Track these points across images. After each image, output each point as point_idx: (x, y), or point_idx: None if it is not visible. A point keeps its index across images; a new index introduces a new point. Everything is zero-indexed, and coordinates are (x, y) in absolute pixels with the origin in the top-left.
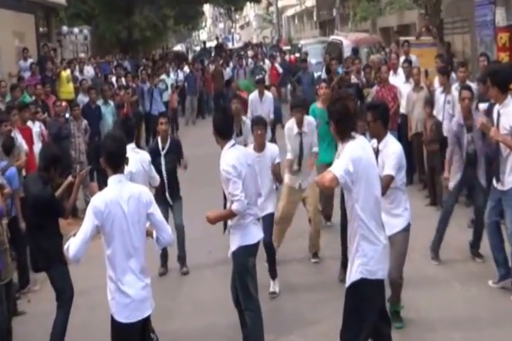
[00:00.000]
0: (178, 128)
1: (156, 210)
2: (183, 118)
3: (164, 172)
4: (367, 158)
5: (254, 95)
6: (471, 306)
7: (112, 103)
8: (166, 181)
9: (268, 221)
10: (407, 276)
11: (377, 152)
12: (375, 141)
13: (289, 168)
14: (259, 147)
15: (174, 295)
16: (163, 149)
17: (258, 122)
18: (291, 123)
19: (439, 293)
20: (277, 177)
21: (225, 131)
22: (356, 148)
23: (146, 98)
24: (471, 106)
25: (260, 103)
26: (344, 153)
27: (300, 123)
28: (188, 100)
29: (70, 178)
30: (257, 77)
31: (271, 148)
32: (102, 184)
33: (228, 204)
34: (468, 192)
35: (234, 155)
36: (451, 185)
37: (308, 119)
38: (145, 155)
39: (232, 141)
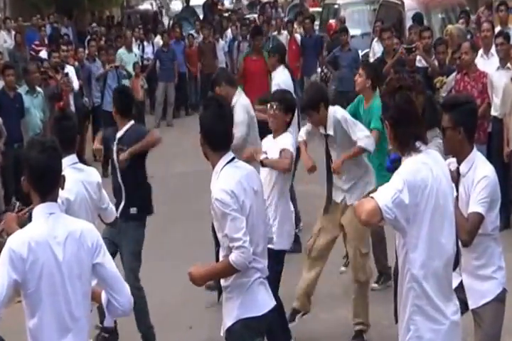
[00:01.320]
0: None
1: (106, 259)
2: (152, 117)
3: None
4: (436, 185)
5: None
6: None
7: (41, 91)
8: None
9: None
10: None
11: (457, 177)
12: (453, 160)
13: (303, 155)
14: (274, 133)
15: None
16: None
17: (273, 96)
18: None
19: None
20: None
21: (219, 138)
22: (419, 168)
23: (94, 85)
24: None
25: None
26: (399, 173)
27: (323, 123)
28: (161, 88)
29: None
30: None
31: (288, 134)
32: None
33: (222, 254)
34: None
35: (233, 177)
36: None
37: (333, 116)
38: (92, 175)
39: (230, 154)
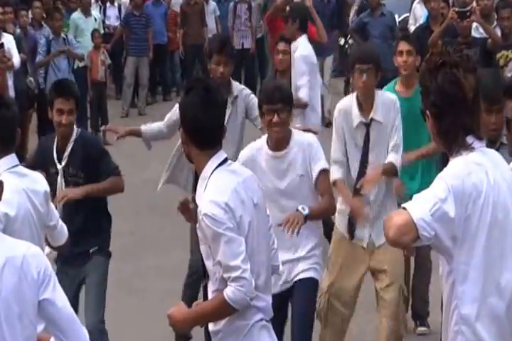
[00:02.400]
0: (107, 122)
1: (57, 295)
2: (118, 103)
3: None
4: (494, 192)
5: None
6: None
7: None
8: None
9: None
10: None
11: None
12: None
13: (347, 198)
14: (277, 144)
15: None
16: (60, 159)
17: (272, 99)
18: (347, 102)
19: None
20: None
21: (207, 133)
22: (470, 170)
23: (40, 60)
24: None
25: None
26: (441, 177)
27: (368, 102)
28: (130, 65)
29: None
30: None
31: (301, 139)
32: None
33: (212, 288)
34: None
35: (227, 185)
36: None
37: (387, 95)
38: (38, 182)
39: (222, 154)
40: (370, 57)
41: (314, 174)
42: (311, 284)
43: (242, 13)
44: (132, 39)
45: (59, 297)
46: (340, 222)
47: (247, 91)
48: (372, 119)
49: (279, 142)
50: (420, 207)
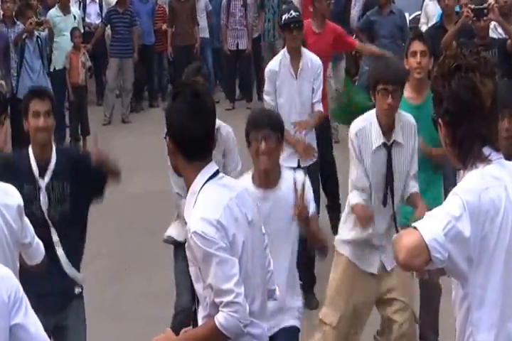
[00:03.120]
0: (88, 131)
1: (30, 319)
2: (100, 109)
3: (51, 225)
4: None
5: (276, 61)
6: None
7: None
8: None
9: None
10: None
11: None
12: None
13: (363, 222)
14: (266, 179)
15: None
16: (42, 173)
17: (259, 124)
18: (363, 123)
19: None
20: (315, 242)
21: (196, 142)
22: (487, 184)
23: (10, 60)
24: None
25: (293, 76)
26: (456, 192)
27: (389, 123)
28: (113, 68)
29: None
30: (287, 15)
31: (289, 178)
32: None
33: (202, 314)
34: None
35: (218, 201)
36: None
37: (406, 118)
38: (9, 194)
39: (212, 166)
40: (397, 77)
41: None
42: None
43: (236, 10)
44: (115, 39)
45: (31, 321)
46: (346, 251)
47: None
48: (394, 141)
49: (266, 176)
50: (432, 226)
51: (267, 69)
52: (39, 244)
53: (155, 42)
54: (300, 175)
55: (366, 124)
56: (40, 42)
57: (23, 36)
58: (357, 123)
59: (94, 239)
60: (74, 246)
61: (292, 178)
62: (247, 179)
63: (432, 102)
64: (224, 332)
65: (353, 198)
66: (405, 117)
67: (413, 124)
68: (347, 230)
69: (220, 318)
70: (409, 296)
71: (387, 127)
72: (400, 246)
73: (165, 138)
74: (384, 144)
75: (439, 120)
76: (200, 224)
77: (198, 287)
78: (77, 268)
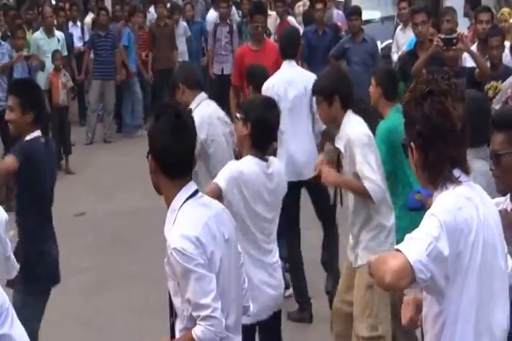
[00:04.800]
0: (70, 151)
1: (16, 330)
2: (82, 129)
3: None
4: (483, 230)
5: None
6: None
7: None
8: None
9: None
10: None
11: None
12: (501, 199)
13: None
14: None
15: None
16: None
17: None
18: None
19: None
20: None
21: (178, 161)
22: (460, 204)
23: (1, 79)
24: None
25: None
26: (432, 213)
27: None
28: (95, 89)
29: None
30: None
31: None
32: None
33: (180, 326)
34: None
35: (198, 219)
36: None
37: (347, 132)
38: (0, 211)
39: (192, 185)
40: (319, 89)
41: None
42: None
43: (222, 36)
44: (98, 62)
45: (17, 332)
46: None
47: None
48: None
49: None
50: (415, 248)
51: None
52: (14, 259)
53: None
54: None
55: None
56: (29, 64)
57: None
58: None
59: (76, 254)
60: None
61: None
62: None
63: (404, 127)
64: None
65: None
66: (350, 130)
67: (350, 137)
68: None
69: (198, 331)
70: (360, 314)
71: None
72: (385, 269)
73: (147, 157)
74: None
75: (411, 144)
76: (180, 241)
77: (176, 301)
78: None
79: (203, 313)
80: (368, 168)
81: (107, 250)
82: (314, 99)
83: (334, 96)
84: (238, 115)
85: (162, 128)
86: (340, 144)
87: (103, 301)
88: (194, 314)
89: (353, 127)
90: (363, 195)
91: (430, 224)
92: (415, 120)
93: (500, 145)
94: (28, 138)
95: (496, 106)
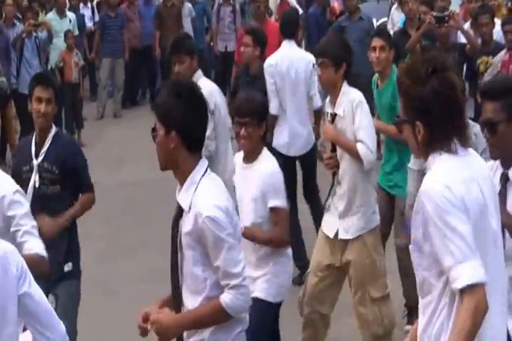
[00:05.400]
0: (82, 125)
1: (34, 289)
2: (94, 105)
3: (31, 202)
4: (481, 197)
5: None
6: None
7: None
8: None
9: (256, 316)
10: None
11: (504, 185)
12: (493, 163)
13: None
14: (246, 156)
15: None
16: (37, 154)
17: (240, 111)
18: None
19: None
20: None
21: (199, 136)
22: (459, 174)
23: (11, 59)
24: None
25: (287, 69)
26: (447, 211)
27: (332, 95)
28: (105, 67)
29: None
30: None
31: (266, 163)
32: None
33: (196, 296)
34: None
35: (221, 191)
36: None
37: (350, 94)
38: (4, 182)
39: (205, 161)
40: (323, 52)
41: (268, 207)
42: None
43: (225, 15)
44: (107, 41)
45: (36, 291)
46: None
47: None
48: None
49: (247, 155)
50: (470, 268)
51: None
52: (34, 232)
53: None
54: (272, 166)
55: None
56: (38, 42)
57: (23, 36)
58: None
59: (88, 222)
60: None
61: (265, 164)
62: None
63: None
64: (229, 311)
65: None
66: (352, 94)
67: (355, 99)
68: None
69: (227, 299)
70: (369, 278)
71: (332, 99)
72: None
73: (154, 135)
74: (328, 113)
75: (417, 122)
76: (214, 210)
77: (197, 270)
78: (67, 251)
79: (234, 282)
80: (364, 133)
81: (117, 219)
82: (316, 63)
83: (342, 63)
84: None
85: (185, 106)
86: (339, 109)
87: (114, 268)
88: (223, 282)
89: (356, 94)
90: (355, 156)
91: (457, 224)
92: (422, 98)
93: (493, 113)
94: (57, 131)
95: (487, 77)
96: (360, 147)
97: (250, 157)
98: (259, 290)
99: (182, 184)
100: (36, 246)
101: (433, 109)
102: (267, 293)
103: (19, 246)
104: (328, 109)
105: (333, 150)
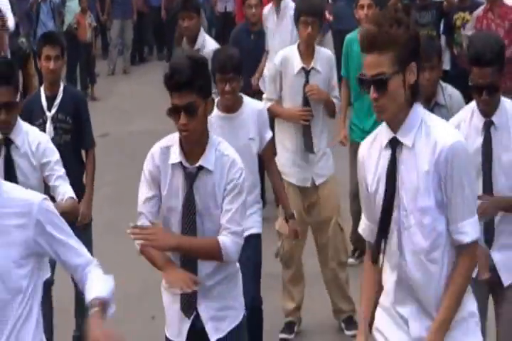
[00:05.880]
0: (95, 80)
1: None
2: (105, 62)
3: None
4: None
5: (267, 10)
6: None
7: None
8: None
9: (251, 252)
10: None
11: (488, 132)
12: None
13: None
14: (228, 108)
15: None
16: (50, 106)
17: (223, 68)
18: (288, 51)
19: None
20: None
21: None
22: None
23: (32, 21)
24: None
25: (276, 23)
26: (461, 165)
27: (308, 52)
28: (115, 27)
29: None
30: None
31: (253, 105)
32: None
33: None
34: None
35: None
36: None
37: (325, 51)
38: (37, 132)
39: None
40: (315, 11)
41: (264, 141)
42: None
43: None
44: (117, 3)
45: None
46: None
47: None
48: (312, 68)
49: (230, 107)
50: (475, 223)
51: None
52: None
53: None
54: (261, 105)
55: (288, 52)
56: (52, 5)
57: (39, 0)
58: (283, 51)
59: (100, 169)
60: (73, 173)
61: (254, 106)
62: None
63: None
64: (223, 252)
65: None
66: (323, 50)
67: (330, 56)
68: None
69: (226, 241)
70: (337, 211)
71: (306, 55)
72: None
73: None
74: (302, 69)
75: (412, 64)
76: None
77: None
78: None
79: (236, 229)
80: (337, 83)
81: (127, 166)
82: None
83: (322, 18)
84: None
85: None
86: (316, 64)
87: (124, 210)
88: (226, 225)
89: (329, 52)
90: (332, 110)
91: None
92: (410, 38)
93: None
94: (65, 85)
95: (468, 32)
96: (333, 97)
97: (233, 108)
98: (252, 226)
99: None
100: (70, 191)
101: (419, 47)
102: (259, 226)
103: (53, 189)
104: (299, 65)
105: (307, 104)
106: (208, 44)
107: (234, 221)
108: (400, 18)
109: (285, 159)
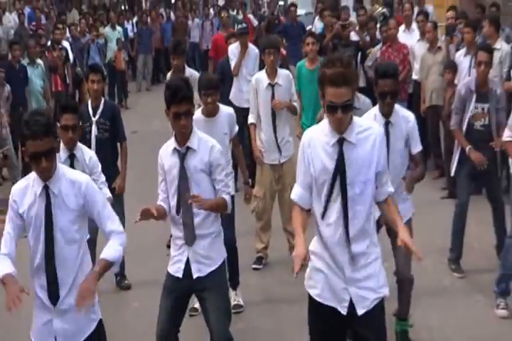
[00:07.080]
0: (127, 95)
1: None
2: (133, 84)
3: (94, 145)
4: None
5: (233, 47)
6: (498, 325)
7: (41, 63)
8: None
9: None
10: (418, 288)
11: (387, 129)
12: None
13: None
14: (209, 114)
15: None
16: (94, 113)
17: (205, 87)
18: (259, 73)
19: (458, 308)
20: (240, 158)
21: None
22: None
23: (81, 57)
24: (487, 73)
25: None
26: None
27: (272, 72)
28: (141, 60)
29: None
30: (240, 27)
31: (225, 110)
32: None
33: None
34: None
35: None
36: (452, 170)
37: (284, 71)
38: (86, 148)
39: None
40: (275, 44)
41: (233, 133)
42: None
43: (207, 27)
44: (141, 44)
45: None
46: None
47: (196, 74)
48: (276, 83)
49: (211, 113)
50: None
51: None
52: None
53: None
54: (230, 109)
55: (259, 74)
56: (99, 45)
57: (89, 42)
58: (257, 74)
59: (129, 156)
60: (111, 158)
61: (227, 110)
62: (198, 112)
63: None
64: (228, 207)
65: (249, 119)
66: (283, 71)
67: (288, 74)
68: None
69: (227, 198)
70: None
71: (271, 75)
72: None
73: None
74: (269, 84)
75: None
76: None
77: (219, 176)
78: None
79: (230, 190)
80: (296, 95)
81: (149, 155)
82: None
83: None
84: None
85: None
86: (279, 80)
87: (146, 185)
88: (223, 189)
89: (286, 71)
90: (295, 110)
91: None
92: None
93: (392, 86)
94: (105, 99)
95: (369, 62)
96: (297, 104)
97: (213, 113)
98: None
99: None
100: (109, 193)
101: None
102: (233, 189)
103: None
104: (267, 81)
105: (273, 111)
106: (192, 73)
107: (227, 185)
108: (349, 60)
109: (261, 146)
